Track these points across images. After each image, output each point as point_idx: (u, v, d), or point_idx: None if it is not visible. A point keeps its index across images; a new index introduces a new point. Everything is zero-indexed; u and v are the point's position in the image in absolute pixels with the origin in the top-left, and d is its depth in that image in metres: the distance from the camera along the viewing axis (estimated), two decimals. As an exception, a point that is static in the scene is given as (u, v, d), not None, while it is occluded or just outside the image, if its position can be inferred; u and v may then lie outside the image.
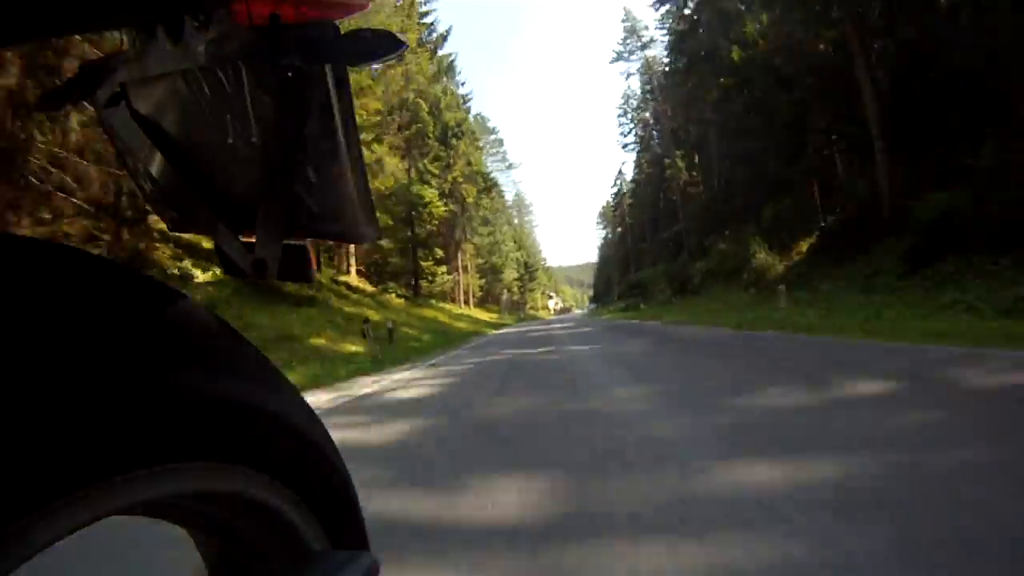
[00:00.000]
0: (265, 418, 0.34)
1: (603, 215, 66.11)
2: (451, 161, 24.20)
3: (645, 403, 2.74)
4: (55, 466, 0.22)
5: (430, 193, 20.40)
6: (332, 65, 0.33)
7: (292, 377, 3.81)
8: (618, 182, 51.42)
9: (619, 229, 53.50)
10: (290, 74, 0.33)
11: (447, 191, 23.25)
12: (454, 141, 24.20)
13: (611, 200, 56.27)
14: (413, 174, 20.04)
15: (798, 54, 14.01)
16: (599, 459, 1.78)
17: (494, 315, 33.84)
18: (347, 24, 0.36)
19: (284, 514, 0.37)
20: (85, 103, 0.41)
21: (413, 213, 19.88)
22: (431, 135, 21.15)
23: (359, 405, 3.79)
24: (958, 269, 7.47)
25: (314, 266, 0.39)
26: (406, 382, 4.97)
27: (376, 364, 7.09)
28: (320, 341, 8.90)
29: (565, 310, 79.43)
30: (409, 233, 20.35)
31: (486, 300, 39.48)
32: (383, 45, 0.33)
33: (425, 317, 17.61)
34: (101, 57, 0.39)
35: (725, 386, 3.02)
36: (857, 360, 3.53)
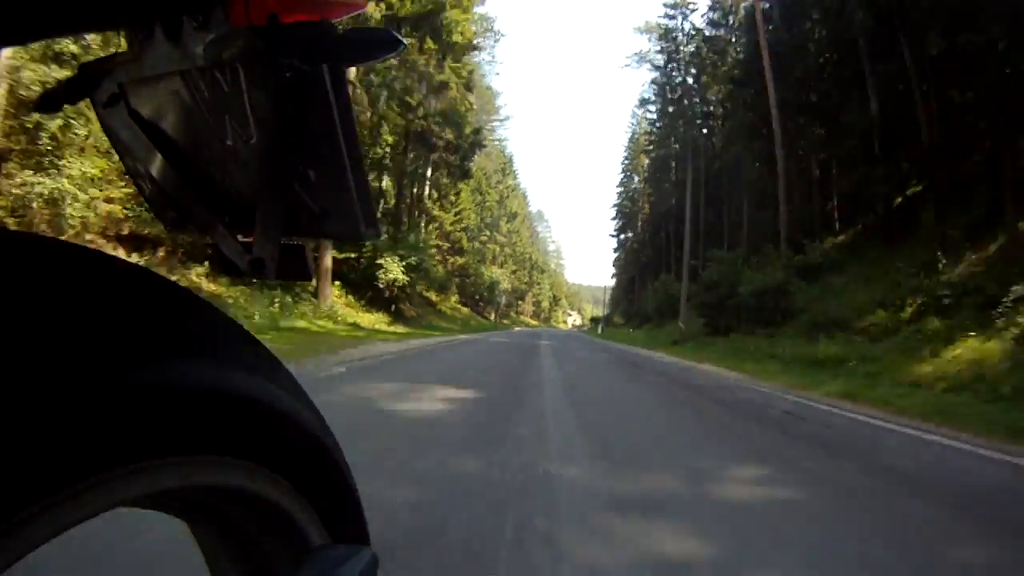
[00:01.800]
0: (266, 412, 0.34)
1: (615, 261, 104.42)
2: (535, 274, 65.10)
3: (546, 341, 42.01)
4: (55, 458, 0.22)
5: (524, 285, 60.66)
6: (331, 65, 0.33)
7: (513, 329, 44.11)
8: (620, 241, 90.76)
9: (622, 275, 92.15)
10: (288, 74, 0.33)
11: (528, 278, 64.27)
12: (537, 274, 65.08)
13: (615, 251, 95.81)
14: (524, 279, 60.93)
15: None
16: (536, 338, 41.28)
17: (536, 324, 74.28)
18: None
19: (284, 508, 0.38)
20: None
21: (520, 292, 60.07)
22: (529, 270, 61.80)
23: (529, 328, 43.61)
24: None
25: (312, 264, 0.41)
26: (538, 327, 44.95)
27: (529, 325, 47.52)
28: (518, 326, 49.51)
29: (580, 326, 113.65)
30: (519, 294, 60.78)
31: (532, 316, 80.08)
32: (381, 45, 0.34)
33: (521, 323, 58.12)
34: (100, 58, 0.39)
35: (571, 344, 40.95)
36: (620, 348, 42.94)
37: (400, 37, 0.34)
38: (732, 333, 13.49)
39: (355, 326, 13.69)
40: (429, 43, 14.97)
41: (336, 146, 0.35)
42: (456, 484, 1.96)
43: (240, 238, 0.40)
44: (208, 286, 10.79)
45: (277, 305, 12.00)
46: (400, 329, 16.13)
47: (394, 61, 15.07)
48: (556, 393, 4.75)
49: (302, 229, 0.40)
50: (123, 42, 0.36)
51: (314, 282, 14.15)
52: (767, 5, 21.24)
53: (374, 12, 13.83)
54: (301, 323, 11.78)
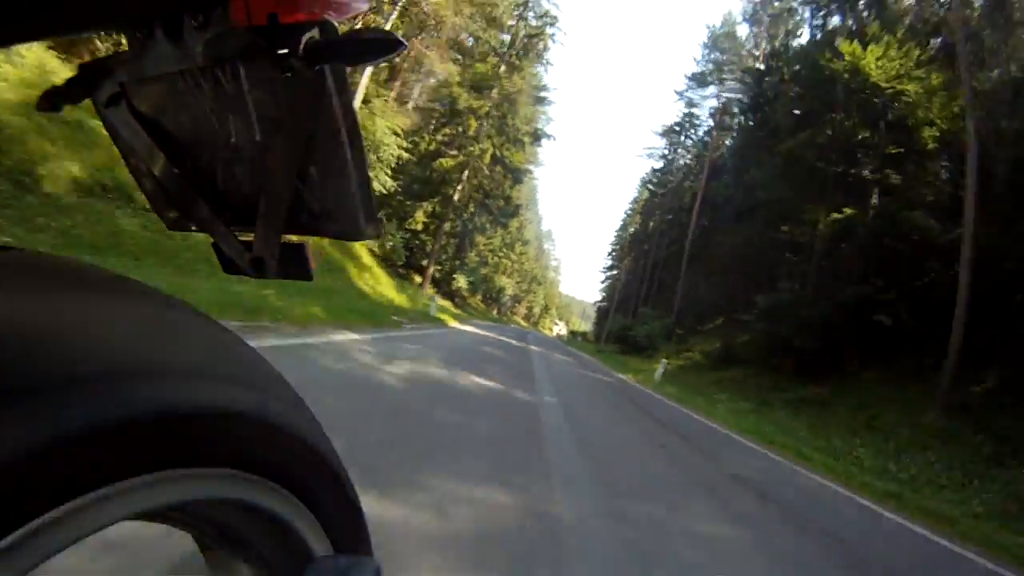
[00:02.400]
0: (266, 423, 0.35)
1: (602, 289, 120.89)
2: (533, 285, 79.34)
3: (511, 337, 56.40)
4: (60, 471, 0.23)
5: (523, 292, 74.80)
6: (332, 65, 0.34)
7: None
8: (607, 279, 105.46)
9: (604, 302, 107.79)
10: (289, 74, 0.33)
11: (528, 287, 78.39)
12: (535, 285, 79.35)
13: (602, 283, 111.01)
14: (524, 288, 75.05)
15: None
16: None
17: (525, 325, 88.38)
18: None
19: (286, 519, 0.39)
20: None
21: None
22: (529, 282, 76.01)
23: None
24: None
25: (313, 264, 0.42)
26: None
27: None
28: (512, 324, 63.51)
29: (562, 336, 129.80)
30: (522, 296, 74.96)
31: (523, 318, 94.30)
32: (382, 45, 0.33)
33: (515, 322, 72.24)
34: (101, 57, 0.39)
35: (547, 342, 56.19)
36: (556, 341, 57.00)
37: (401, 39, 0.33)
38: (627, 354, 27.40)
39: (442, 308, 27.42)
40: (509, 177, 29.07)
41: (338, 146, 0.36)
42: (517, 340, 16.49)
43: (241, 236, 0.41)
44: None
45: (411, 291, 25.66)
46: (462, 313, 29.96)
47: (486, 171, 28.83)
48: (533, 344, 18.84)
49: (303, 227, 0.40)
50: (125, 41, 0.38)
51: (419, 279, 27.88)
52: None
53: (490, 149, 27.61)
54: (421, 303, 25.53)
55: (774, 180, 18.74)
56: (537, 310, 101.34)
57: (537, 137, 28.91)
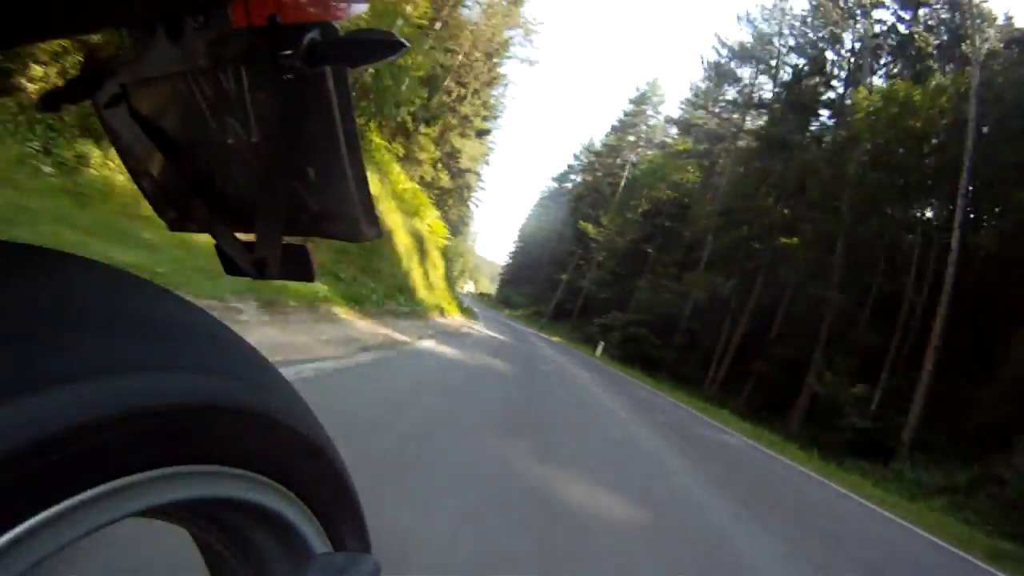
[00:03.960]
0: (266, 421, 0.35)
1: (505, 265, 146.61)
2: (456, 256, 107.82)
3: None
4: (54, 469, 0.22)
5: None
6: (332, 67, 0.34)
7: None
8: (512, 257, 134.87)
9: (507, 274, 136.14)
10: (289, 76, 0.33)
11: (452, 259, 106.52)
12: (457, 256, 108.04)
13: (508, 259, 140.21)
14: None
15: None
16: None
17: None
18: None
19: (285, 516, 0.39)
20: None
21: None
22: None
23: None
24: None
25: (315, 265, 0.42)
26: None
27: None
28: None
29: (471, 294, 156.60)
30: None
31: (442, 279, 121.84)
32: (383, 46, 0.33)
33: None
34: (103, 59, 0.39)
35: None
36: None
37: (403, 40, 0.33)
38: (506, 307, 57.04)
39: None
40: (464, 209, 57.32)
41: (336, 147, 0.36)
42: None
43: (243, 237, 0.41)
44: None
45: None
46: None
47: (454, 209, 56.33)
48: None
49: (303, 229, 0.40)
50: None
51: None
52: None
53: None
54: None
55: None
56: (456, 273, 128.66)
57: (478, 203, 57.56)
